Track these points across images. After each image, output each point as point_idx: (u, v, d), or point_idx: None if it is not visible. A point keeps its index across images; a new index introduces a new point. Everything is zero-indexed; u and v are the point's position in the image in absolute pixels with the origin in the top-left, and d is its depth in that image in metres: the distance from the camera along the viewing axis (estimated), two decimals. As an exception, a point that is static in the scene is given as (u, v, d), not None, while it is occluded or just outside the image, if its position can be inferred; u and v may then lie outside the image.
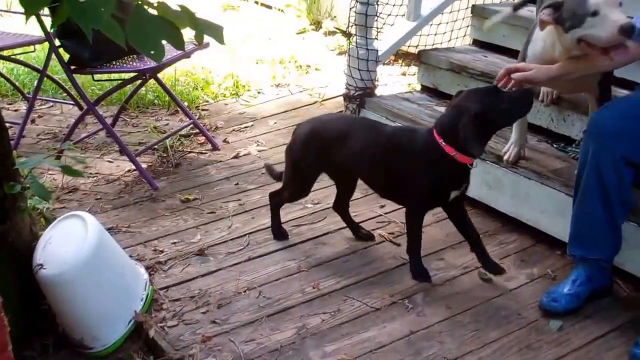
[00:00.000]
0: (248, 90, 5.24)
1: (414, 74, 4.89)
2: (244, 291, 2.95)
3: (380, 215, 3.53)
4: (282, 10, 7.08)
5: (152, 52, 1.80)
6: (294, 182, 3.20)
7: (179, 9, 1.79)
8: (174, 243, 3.30)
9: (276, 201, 3.31)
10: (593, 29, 2.62)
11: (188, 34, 1.81)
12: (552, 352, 2.63)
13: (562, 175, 3.18)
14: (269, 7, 7.24)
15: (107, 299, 2.70)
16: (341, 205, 3.34)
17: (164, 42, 1.78)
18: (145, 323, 2.72)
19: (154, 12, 1.77)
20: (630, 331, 2.72)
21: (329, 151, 3.04)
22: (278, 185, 3.33)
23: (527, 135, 3.58)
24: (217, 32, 1.89)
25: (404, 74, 5.42)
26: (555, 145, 3.51)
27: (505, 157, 3.33)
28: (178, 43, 1.83)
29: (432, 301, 2.88)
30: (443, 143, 2.77)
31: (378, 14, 4.23)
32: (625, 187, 2.65)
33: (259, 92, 5.22)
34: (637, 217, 2.87)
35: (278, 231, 3.34)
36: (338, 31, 6.42)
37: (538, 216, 3.24)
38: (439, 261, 3.14)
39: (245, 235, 3.37)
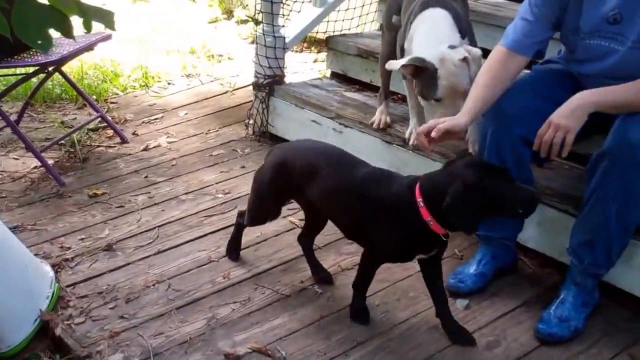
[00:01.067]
0: (158, 81, 5.17)
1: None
2: (153, 284, 2.91)
3: (291, 202, 3.52)
4: (193, 0, 7.00)
5: (39, 43, 1.75)
6: (253, 204, 2.91)
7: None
8: (82, 239, 3.24)
9: (239, 220, 3.04)
10: (431, 109, 2.92)
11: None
12: (460, 330, 2.68)
13: (467, 156, 3.24)
14: (181, -4, 7.16)
15: (11, 299, 2.63)
16: (306, 238, 2.99)
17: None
18: (51, 321, 2.67)
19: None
20: (535, 306, 2.79)
21: (297, 185, 2.69)
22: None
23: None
24: (107, 18, 1.85)
25: (315, 61, 5.42)
26: (460, 127, 3.57)
27: (410, 142, 3.38)
28: (66, 31, 1.78)
29: (341, 285, 2.89)
30: (421, 203, 2.36)
31: (284, 1, 4.22)
32: (525, 166, 2.71)
33: (169, 83, 5.15)
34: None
35: (233, 251, 3.09)
36: (250, 19, 6.38)
37: (445, 197, 3.28)
38: (349, 245, 3.13)
39: (154, 228, 3.32)
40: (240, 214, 3.02)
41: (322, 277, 2.94)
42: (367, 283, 2.69)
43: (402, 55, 3.16)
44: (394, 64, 2.91)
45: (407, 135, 3.41)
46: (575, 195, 2.80)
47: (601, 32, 2.52)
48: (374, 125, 3.57)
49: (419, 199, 2.36)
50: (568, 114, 2.43)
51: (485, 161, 2.53)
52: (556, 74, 2.80)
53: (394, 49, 3.36)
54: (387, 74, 3.55)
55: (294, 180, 2.68)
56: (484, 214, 2.33)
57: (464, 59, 2.81)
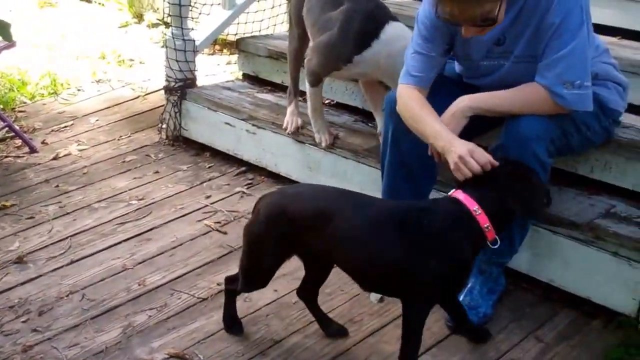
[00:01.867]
0: (68, 88, 5.08)
1: (238, 63, 4.91)
2: (67, 295, 2.87)
3: (206, 205, 3.54)
4: (102, 4, 6.92)
5: None
6: (248, 267, 2.54)
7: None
8: (-9, 253, 3.18)
9: (230, 287, 2.65)
10: None
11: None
12: (374, 322, 2.73)
13: (376, 152, 3.29)
14: (89, 1, 7.05)
15: None
16: (308, 293, 2.67)
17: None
18: (-39, 339, 2.62)
19: None
20: (446, 296, 2.87)
21: (301, 237, 2.40)
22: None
23: (345, 116, 3.76)
24: (3, 29, 1.83)
25: (228, 63, 5.42)
26: (370, 125, 3.63)
27: (322, 145, 3.43)
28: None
29: (258, 286, 2.92)
30: (477, 210, 2.26)
31: (193, 4, 4.22)
32: (428, 161, 2.72)
33: (79, 90, 5.07)
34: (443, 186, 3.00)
35: (230, 322, 2.69)
36: (161, 23, 6.34)
37: (358, 193, 3.34)
38: (264, 246, 3.17)
39: (67, 238, 3.28)
40: (229, 280, 2.64)
41: (334, 331, 2.67)
42: (418, 345, 2.39)
43: (347, 60, 3.12)
44: None
45: (317, 141, 3.46)
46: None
47: (489, 54, 2.63)
48: (287, 131, 3.59)
49: (474, 207, 2.25)
50: (448, 120, 2.55)
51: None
52: (454, 74, 2.90)
53: (302, 45, 3.43)
54: (296, 72, 3.58)
55: (297, 230, 2.39)
56: None
57: None
